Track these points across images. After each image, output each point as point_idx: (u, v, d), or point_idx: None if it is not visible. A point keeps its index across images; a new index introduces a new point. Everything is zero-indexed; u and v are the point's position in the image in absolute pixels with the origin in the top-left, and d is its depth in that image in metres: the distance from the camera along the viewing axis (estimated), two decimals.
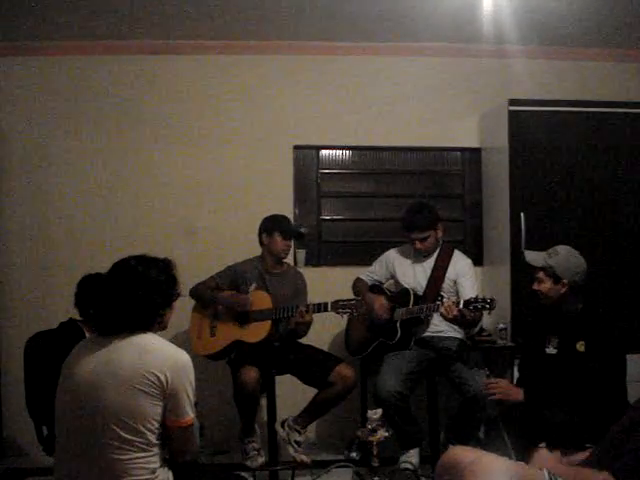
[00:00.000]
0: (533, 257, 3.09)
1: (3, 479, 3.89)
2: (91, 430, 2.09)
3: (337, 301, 3.58)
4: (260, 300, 3.75)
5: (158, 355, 2.14)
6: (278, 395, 3.79)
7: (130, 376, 2.09)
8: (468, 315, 3.46)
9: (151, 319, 2.22)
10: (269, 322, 3.69)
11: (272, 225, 3.82)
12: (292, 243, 3.88)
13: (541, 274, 3.04)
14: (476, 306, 3.35)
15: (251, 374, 3.48)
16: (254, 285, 3.81)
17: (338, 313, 3.59)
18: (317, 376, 3.65)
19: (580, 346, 2.94)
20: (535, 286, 3.07)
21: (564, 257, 3.01)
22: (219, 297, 3.77)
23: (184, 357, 2.18)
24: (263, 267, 3.86)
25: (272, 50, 4.51)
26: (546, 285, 3.02)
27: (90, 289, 3.12)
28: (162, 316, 2.27)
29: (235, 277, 3.85)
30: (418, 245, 3.81)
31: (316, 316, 3.67)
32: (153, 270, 2.23)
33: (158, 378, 2.09)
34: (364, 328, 3.91)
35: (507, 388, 3.07)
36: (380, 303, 3.80)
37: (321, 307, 3.60)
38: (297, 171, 4.64)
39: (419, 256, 3.91)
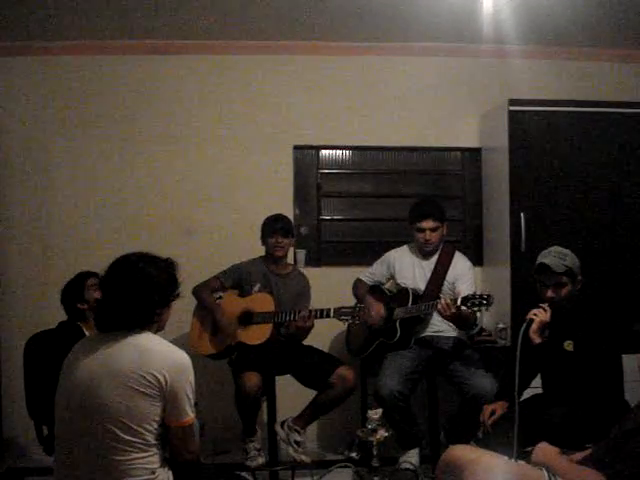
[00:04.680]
0: (554, 263, 2.94)
1: (3, 479, 3.88)
2: (90, 430, 2.09)
3: (339, 308, 3.59)
4: (263, 302, 3.75)
5: (157, 355, 2.14)
6: (278, 396, 3.80)
7: (129, 377, 2.09)
8: (465, 312, 3.44)
9: (147, 317, 2.21)
10: (270, 325, 3.69)
11: (262, 226, 3.87)
12: (283, 240, 3.80)
13: (564, 278, 2.95)
14: (473, 302, 3.33)
15: (252, 380, 3.48)
16: (258, 286, 3.82)
17: (340, 320, 3.60)
18: (317, 378, 3.65)
19: (568, 345, 2.93)
20: (550, 293, 2.96)
21: (571, 255, 2.99)
22: (215, 310, 3.76)
23: (183, 357, 2.18)
24: (268, 268, 3.87)
25: (272, 50, 4.50)
26: (567, 288, 2.96)
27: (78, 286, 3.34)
28: (159, 315, 2.26)
29: (240, 277, 3.85)
30: (427, 235, 3.77)
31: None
32: (153, 268, 2.23)
33: (157, 379, 2.09)
34: (364, 329, 3.90)
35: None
36: (377, 310, 3.79)
37: (324, 313, 3.61)
38: (297, 171, 4.64)
39: (420, 257, 3.90)
